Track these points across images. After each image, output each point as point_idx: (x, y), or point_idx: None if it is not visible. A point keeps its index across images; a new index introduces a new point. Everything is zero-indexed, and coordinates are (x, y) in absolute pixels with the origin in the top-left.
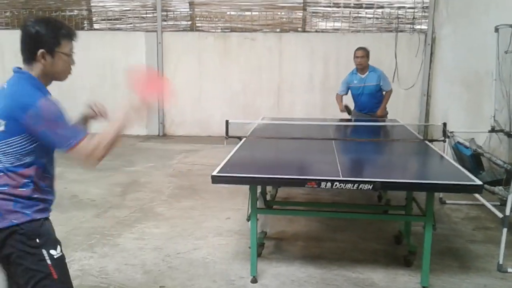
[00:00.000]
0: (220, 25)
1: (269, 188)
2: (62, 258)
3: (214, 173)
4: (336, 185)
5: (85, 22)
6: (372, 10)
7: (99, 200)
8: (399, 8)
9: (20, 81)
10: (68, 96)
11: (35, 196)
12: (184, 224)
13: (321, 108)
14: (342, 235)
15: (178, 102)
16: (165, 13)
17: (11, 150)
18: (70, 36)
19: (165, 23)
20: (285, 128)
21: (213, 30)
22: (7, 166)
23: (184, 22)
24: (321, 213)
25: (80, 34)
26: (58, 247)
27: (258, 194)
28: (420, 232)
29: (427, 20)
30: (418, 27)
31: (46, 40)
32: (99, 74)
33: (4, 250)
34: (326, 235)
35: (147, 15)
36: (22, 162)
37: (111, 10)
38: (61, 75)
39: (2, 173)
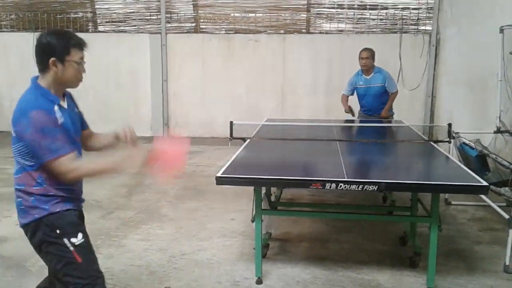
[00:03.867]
0: (224, 27)
1: (273, 189)
2: (84, 244)
3: (219, 174)
4: (341, 186)
5: (90, 24)
6: (376, 11)
7: (105, 202)
8: (403, 9)
9: (28, 90)
10: None
11: (50, 193)
12: (189, 225)
13: (325, 110)
14: (347, 236)
15: (182, 103)
16: (169, 15)
17: (21, 153)
18: (80, 45)
19: (169, 25)
20: (289, 129)
21: (217, 32)
22: (19, 167)
23: (188, 24)
24: (326, 214)
25: (85, 36)
26: (80, 234)
27: (262, 195)
28: (425, 233)
29: (431, 21)
30: (422, 28)
31: (57, 50)
32: (104, 76)
33: (34, 241)
34: (331, 236)
35: (151, 17)
36: (31, 163)
37: (115, 13)
38: (72, 82)
39: (18, 174)
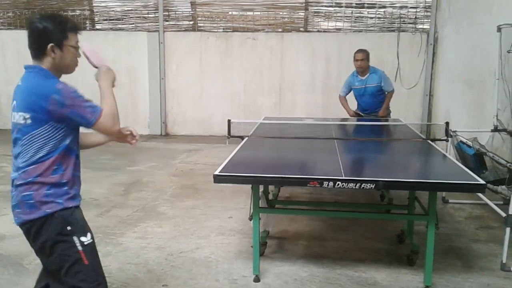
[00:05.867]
0: (222, 25)
1: (271, 187)
2: (92, 244)
3: (216, 173)
4: (338, 184)
5: (87, 22)
6: (374, 10)
7: (102, 200)
8: (401, 7)
9: (32, 74)
10: None
11: (65, 181)
12: (187, 224)
13: (322, 107)
14: (344, 234)
15: (180, 101)
16: (167, 13)
17: (39, 140)
18: (76, 29)
19: (167, 23)
20: (287, 128)
21: (215, 30)
22: (36, 157)
23: (186, 22)
24: (324, 212)
25: (82, 34)
26: (89, 234)
27: (260, 194)
28: (422, 231)
29: (429, 20)
30: (420, 26)
31: (54, 34)
32: None
33: (40, 239)
34: (328, 234)
35: (149, 15)
36: (50, 150)
37: (113, 10)
38: (69, 68)
39: (33, 165)
